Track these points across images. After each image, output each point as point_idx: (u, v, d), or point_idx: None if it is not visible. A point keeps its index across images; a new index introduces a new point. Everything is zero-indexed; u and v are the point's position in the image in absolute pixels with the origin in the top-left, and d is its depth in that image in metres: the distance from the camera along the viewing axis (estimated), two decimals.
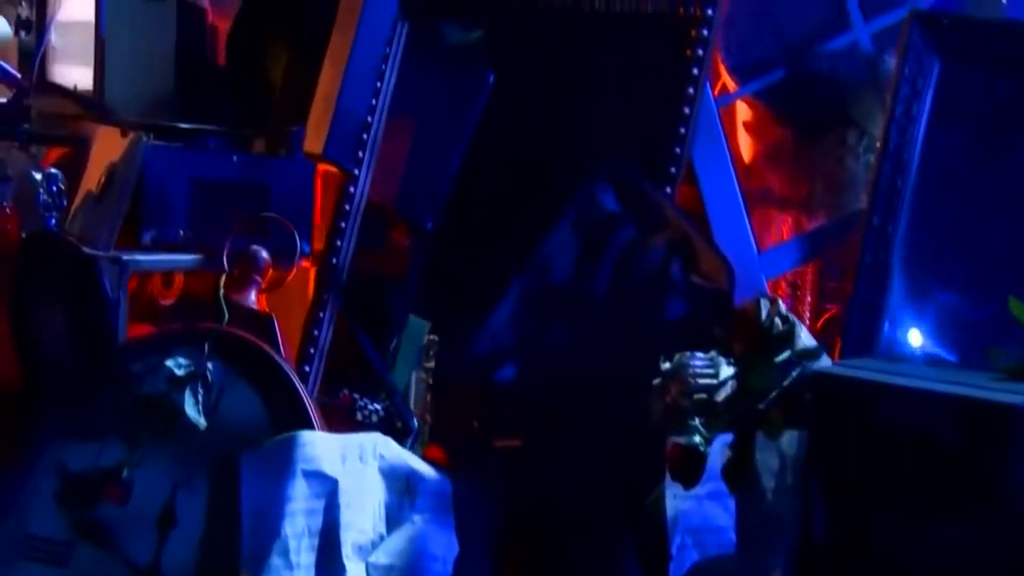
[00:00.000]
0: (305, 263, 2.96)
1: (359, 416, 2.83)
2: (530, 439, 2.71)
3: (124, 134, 2.80)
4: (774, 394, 2.11)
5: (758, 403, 2.12)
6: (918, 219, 2.54)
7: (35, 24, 3.53)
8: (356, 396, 2.83)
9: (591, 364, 2.69)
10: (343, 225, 3.01)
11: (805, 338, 2.26)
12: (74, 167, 3.13)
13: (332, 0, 3.11)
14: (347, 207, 3.01)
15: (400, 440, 2.72)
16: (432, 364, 2.93)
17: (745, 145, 2.94)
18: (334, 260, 2.99)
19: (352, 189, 3.02)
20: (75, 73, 3.55)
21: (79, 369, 2.62)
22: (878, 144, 2.65)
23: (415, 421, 2.83)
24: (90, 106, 3.44)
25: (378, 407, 2.83)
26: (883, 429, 2.04)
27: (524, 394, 2.75)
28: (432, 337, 2.92)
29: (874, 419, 2.04)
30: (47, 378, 2.65)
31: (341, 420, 2.74)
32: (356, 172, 3.00)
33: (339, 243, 3.00)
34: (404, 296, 3.02)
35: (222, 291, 2.67)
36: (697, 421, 2.18)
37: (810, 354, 2.13)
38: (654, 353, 2.55)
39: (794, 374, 2.13)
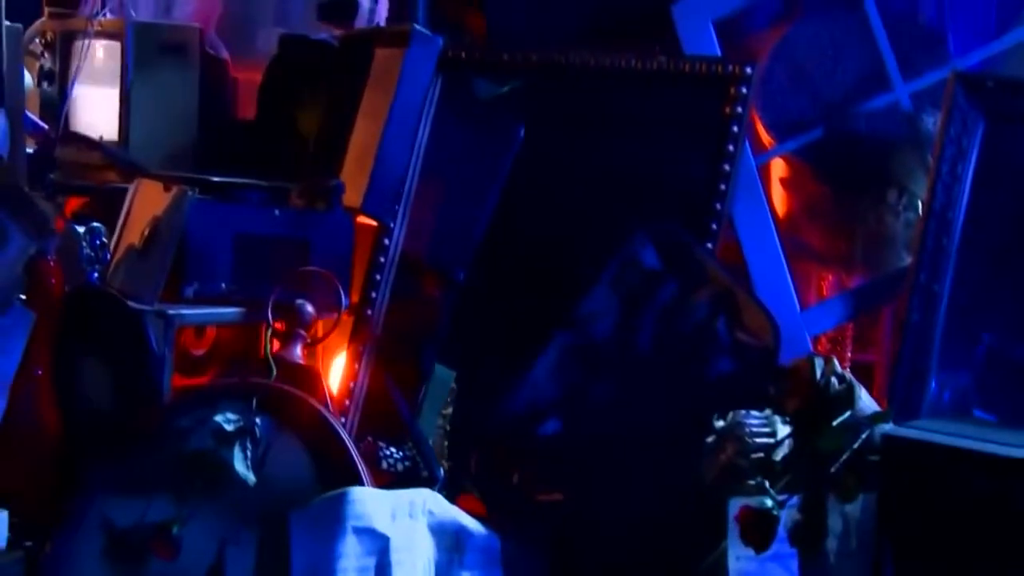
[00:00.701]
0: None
1: (383, 464, 2.73)
2: (572, 493, 2.62)
3: (167, 188, 2.70)
4: (845, 457, 2.02)
5: (828, 465, 2.04)
6: (964, 278, 2.48)
7: (57, 75, 3.44)
8: (381, 444, 2.74)
9: (634, 420, 2.61)
10: (378, 277, 2.92)
11: (865, 399, 2.18)
12: (97, 217, 3.04)
13: (365, 55, 3.05)
14: (382, 259, 2.93)
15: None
16: (450, 411, 2.86)
17: (784, 202, 2.88)
18: (369, 312, 2.90)
19: (386, 242, 2.94)
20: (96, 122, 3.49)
21: (124, 424, 2.51)
22: (921, 203, 2.60)
23: (441, 471, 2.74)
24: (115, 157, 3.38)
25: (402, 455, 2.74)
26: (956, 493, 1.97)
27: (566, 449, 2.67)
28: (452, 385, 2.84)
29: (947, 483, 1.97)
30: (91, 433, 2.54)
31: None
32: (391, 225, 2.91)
33: (374, 295, 2.92)
34: (433, 346, 2.94)
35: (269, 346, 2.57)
36: (765, 483, 2.08)
37: (881, 417, 2.05)
38: (698, 409, 2.49)
39: (864, 436, 2.05)
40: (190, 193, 2.65)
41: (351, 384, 2.88)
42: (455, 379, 2.85)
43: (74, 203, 3.36)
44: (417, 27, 2.85)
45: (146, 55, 3.39)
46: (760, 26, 2.95)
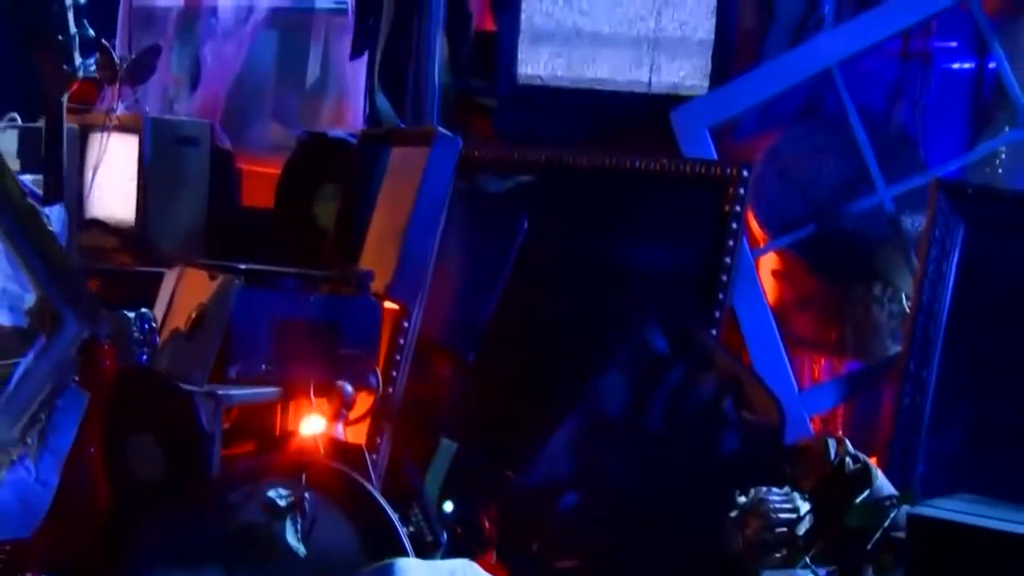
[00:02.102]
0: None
1: None
2: (590, 562, 2.55)
3: (213, 277, 2.61)
4: (879, 534, 1.98)
5: (862, 542, 2.00)
6: (950, 366, 2.47)
7: (77, 163, 3.34)
8: None
9: (647, 494, 2.55)
10: (398, 357, 2.84)
11: (881, 478, 2.14)
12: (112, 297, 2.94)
13: (382, 153, 2.99)
14: (401, 341, 2.85)
15: (429, 553, 2.56)
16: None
17: (776, 292, 2.85)
18: (390, 390, 2.82)
19: (406, 324, 2.86)
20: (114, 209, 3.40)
21: (175, 498, 2.40)
22: (905, 296, 2.60)
23: (444, 535, 2.66)
24: (134, 242, 3.29)
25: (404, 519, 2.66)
26: (978, 570, 1.92)
27: (582, 520, 2.60)
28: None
29: (975, 563, 1.92)
30: (142, 507, 2.42)
31: None
32: (413, 309, 2.84)
33: (394, 374, 2.84)
34: (444, 421, 2.87)
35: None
36: (807, 559, 2.03)
37: (908, 498, 2.01)
38: (709, 484, 2.44)
39: (892, 515, 2.01)
40: (236, 281, 2.56)
41: (374, 457, 2.80)
42: (463, 452, 2.81)
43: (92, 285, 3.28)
44: (440, 128, 2.80)
45: (162, 147, 3.34)
46: (751, 132, 2.95)
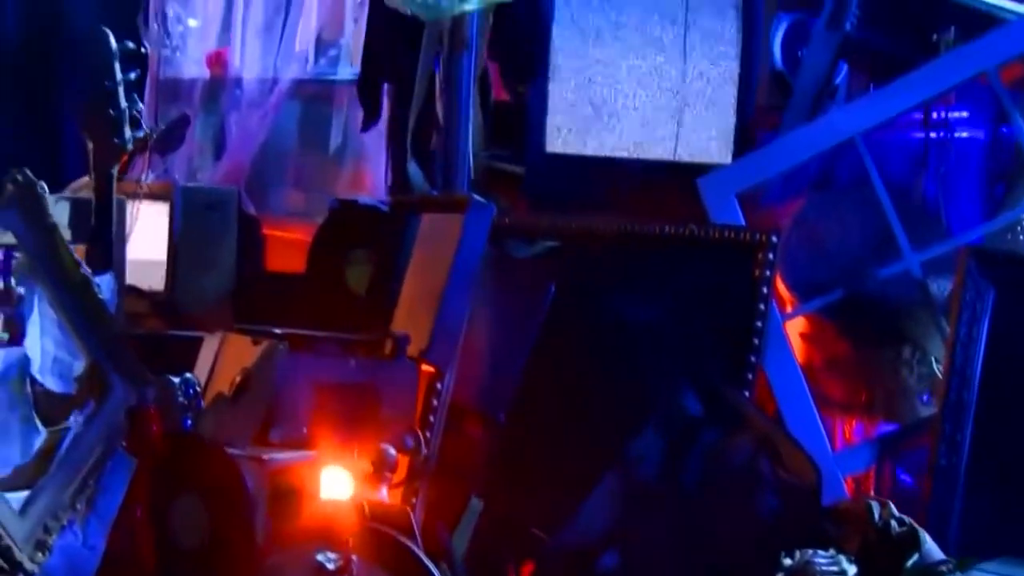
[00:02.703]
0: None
1: None
2: None
3: (256, 342, 2.53)
4: None
5: None
6: (984, 427, 2.41)
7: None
8: None
9: (685, 554, 2.47)
10: (431, 419, 2.76)
11: (929, 542, 2.07)
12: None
13: (412, 219, 2.92)
14: (435, 402, 2.77)
15: None
16: None
17: (805, 355, 2.78)
18: (424, 451, 2.73)
19: (439, 387, 2.78)
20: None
21: (222, 563, 2.31)
22: (934, 360, 2.54)
23: None
24: (165, 307, 3.22)
25: None
26: None
27: None
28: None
29: None
30: (188, 573, 2.33)
31: None
32: (446, 372, 2.76)
33: (428, 435, 2.76)
34: (475, 480, 2.79)
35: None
36: None
37: (965, 563, 1.93)
38: (748, 545, 2.36)
39: None
40: (281, 346, 2.49)
41: None
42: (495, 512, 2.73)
43: None
44: (475, 196, 2.75)
45: (192, 214, 3.28)
46: (776, 199, 2.90)
